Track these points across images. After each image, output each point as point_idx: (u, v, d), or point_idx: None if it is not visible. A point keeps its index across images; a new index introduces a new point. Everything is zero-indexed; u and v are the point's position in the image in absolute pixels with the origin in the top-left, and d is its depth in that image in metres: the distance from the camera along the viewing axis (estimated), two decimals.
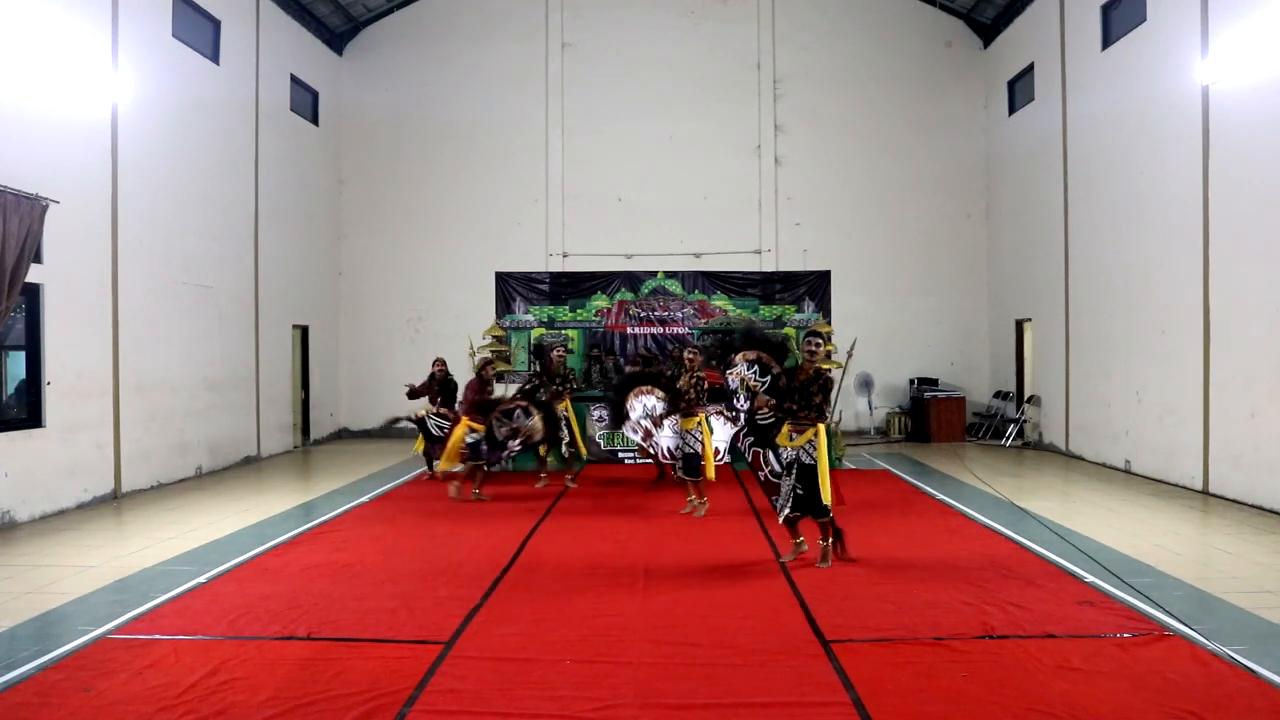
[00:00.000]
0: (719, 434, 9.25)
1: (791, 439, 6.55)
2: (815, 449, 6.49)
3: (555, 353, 10.93)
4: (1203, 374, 9.96)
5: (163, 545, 7.58)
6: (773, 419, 6.65)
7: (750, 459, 6.84)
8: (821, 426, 6.55)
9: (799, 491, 6.50)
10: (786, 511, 6.58)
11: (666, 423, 9.09)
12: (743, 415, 6.78)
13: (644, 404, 9.44)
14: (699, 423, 8.81)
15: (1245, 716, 3.99)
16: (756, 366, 6.70)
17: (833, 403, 7.30)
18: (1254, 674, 4.44)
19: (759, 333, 7.05)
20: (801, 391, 6.52)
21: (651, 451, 9.70)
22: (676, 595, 5.92)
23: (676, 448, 8.94)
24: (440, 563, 6.84)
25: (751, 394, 6.67)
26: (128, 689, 4.31)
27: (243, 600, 5.79)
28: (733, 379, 6.80)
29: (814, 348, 6.58)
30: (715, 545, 7.47)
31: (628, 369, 12.00)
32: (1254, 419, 9.10)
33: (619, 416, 9.72)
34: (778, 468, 6.62)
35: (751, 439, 6.77)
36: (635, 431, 9.55)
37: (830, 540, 6.63)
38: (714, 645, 4.91)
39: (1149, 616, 5.36)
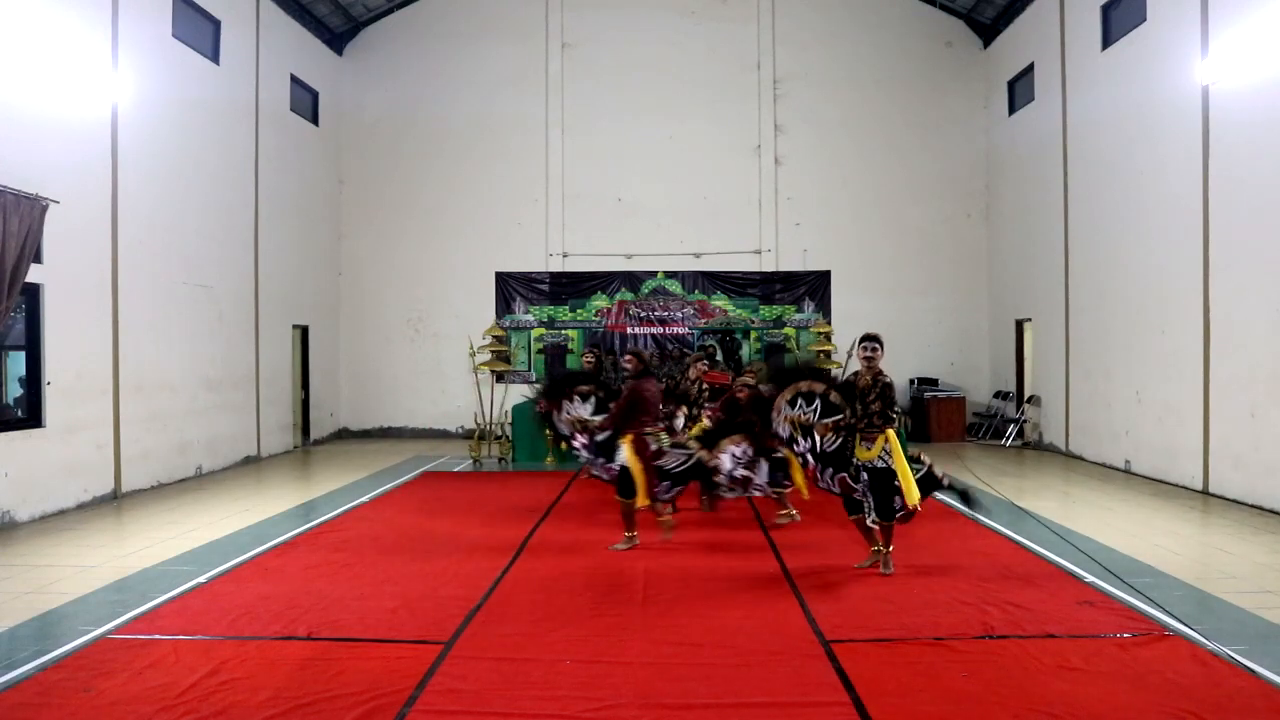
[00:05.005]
0: (761, 474, 7.76)
1: (867, 449, 6.33)
2: (890, 454, 6.26)
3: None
4: (1203, 374, 9.96)
5: (163, 545, 7.57)
6: (840, 441, 6.41)
7: (840, 488, 6.52)
8: (891, 431, 6.32)
9: (870, 498, 6.29)
10: (872, 517, 6.37)
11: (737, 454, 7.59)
12: (809, 455, 6.50)
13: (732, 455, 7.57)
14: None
15: (1245, 716, 3.99)
16: (800, 399, 6.45)
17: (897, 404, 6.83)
18: (1254, 674, 4.44)
19: (789, 364, 6.64)
20: (861, 400, 6.32)
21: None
22: (676, 595, 5.92)
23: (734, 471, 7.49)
24: (440, 563, 6.84)
25: (807, 428, 6.42)
26: (128, 689, 4.31)
27: (243, 600, 5.79)
28: (781, 425, 6.53)
29: (870, 353, 6.38)
30: (715, 546, 7.47)
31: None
32: (1254, 419, 9.10)
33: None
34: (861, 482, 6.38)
35: (830, 469, 6.48)
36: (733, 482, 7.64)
37: (889, 547, 6.46)
38: (714, 645, 4.91)
39: (1149, 616, 5.36)
